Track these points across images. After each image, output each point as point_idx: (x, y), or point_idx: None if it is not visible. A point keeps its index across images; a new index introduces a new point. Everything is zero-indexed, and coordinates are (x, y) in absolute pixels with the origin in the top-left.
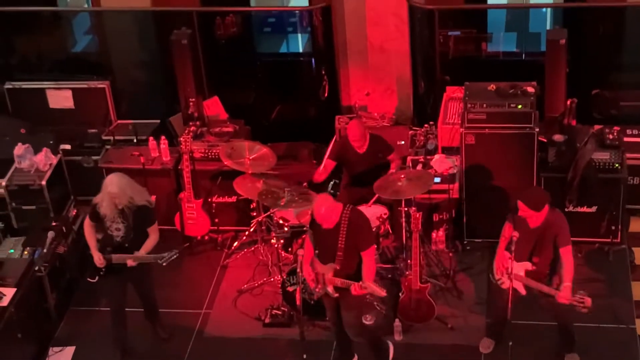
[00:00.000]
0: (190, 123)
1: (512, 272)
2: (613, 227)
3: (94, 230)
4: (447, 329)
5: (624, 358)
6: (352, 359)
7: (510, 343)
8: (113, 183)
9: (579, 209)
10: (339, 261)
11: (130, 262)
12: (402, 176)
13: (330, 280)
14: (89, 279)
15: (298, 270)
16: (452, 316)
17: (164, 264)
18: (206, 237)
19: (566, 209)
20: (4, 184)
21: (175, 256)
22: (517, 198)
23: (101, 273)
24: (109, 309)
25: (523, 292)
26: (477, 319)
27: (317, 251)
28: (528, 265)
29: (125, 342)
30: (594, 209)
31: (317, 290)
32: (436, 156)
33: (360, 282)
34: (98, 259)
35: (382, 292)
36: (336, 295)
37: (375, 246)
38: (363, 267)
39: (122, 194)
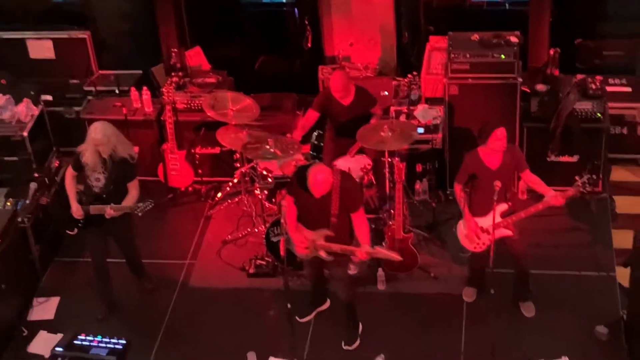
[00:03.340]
0: (173, 74)
1: (492, 226)
2: (595, 176)
3: (74, 180)
4: (430, 278)
5: (604, 305)
6: (325, 304)
7: (492, 291)
8: (98, 130)
9: (561, 159)
10: (334, 227)
11: (109, 212)
12: (385, 127)
13: (322, 246)
14: (67, 231)
15: (282, 221)
16: (435, 265)
17: (140, 214)
18: (190, 189)
19: (548, 159)
20: None
21: (150, 206)
22: (491, 128)
23: (79, 225)
24: (91, 262)
25: (510, 233)
26: (460, 268)
27: (301, 218)
28: (504, 207)
29: (110, 295)
30: (575, 158)
31: (302, 254)
32: (419, 107)
33: (364, 247)
34: (76, 209)
35: (397, 256)
36: (331, 258)
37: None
38: (358, 229)
39: (106, 141)
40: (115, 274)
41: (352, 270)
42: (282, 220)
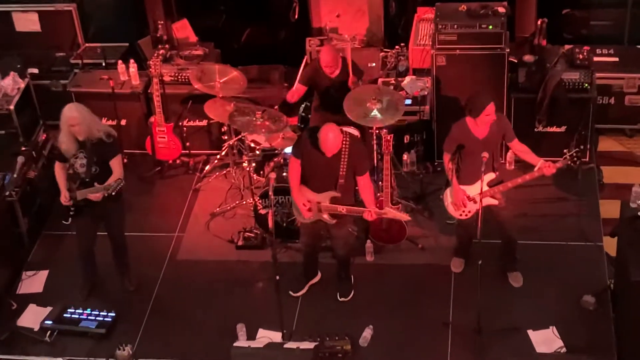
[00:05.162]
0: (160, 46)
1: (480, 194)
2: (582, 147)
3: (64, 171)
4: (418, 250)
5: (591, 274)
6: (316, 277)
7: (480, 262)
8: (72, 109)
9: (549, 129)
10: (340, 188)
11: (94, 197)
12: (374, 98)
13: (327, 208)
14: (63, 221)
15: (270, 193)
16: (423, 237)
17: (113, 194)
18: (178, 161)
19: (536, 129)
20: None
21: (120, 184)
22: (483, 103)
23: (71, 213)
24: (76, 245)
25: (496, 202)
26: (448, 239)
27: (306, 180)
28: (492, 177)
29: (93, 278)
30: (563, 128)
31: (306, 217)
32: (407, 78)
33: (372, 208)
34: (64, 196)
35: (406, 217)
36: (334, 221)
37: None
38: (363, 191)
39: (82, 119)
40: (105, 246)
41: None
42: (270, 192)
